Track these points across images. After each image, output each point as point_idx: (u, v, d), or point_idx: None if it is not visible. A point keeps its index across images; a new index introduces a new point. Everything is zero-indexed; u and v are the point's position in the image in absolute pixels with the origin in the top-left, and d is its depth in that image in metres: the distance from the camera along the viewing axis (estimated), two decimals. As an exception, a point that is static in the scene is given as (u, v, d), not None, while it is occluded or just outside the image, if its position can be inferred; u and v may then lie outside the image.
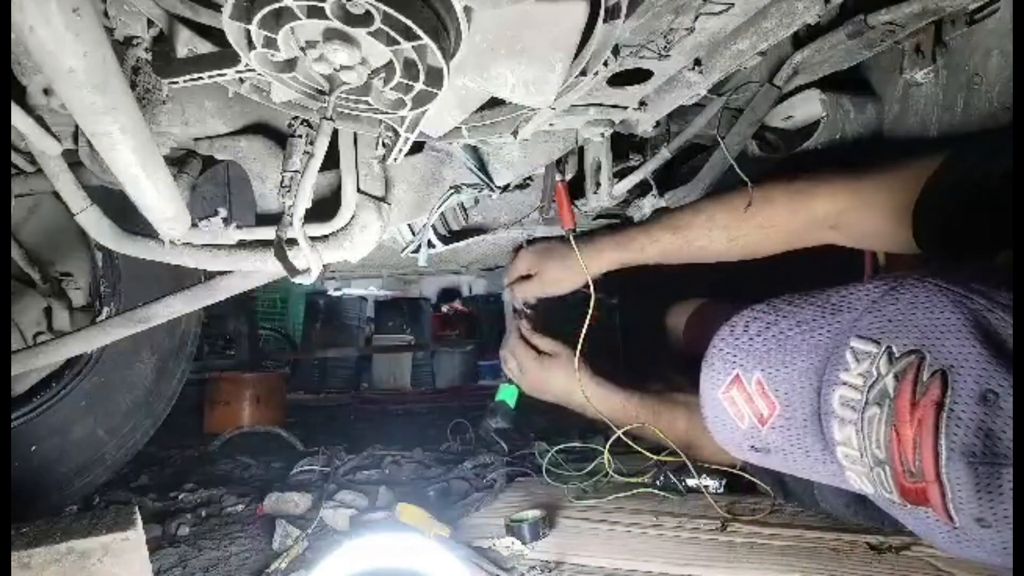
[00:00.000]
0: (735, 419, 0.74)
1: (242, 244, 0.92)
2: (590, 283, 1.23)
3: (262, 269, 0.94)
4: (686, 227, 1.11)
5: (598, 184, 1.23)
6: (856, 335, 0.64)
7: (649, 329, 1.69)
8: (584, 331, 1.23)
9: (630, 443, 1.24)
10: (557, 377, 1.27)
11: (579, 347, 1.24)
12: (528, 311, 1.38)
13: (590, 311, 1.22)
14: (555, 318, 1.38)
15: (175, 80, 0.68)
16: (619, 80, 0.86)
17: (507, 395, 1.35)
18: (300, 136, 0.84)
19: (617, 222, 1.44)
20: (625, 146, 1.29)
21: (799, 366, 0.69)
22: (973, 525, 0.54)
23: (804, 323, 0.70)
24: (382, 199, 0.95)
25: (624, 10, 0.64)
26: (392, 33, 0.52)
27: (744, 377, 0.73)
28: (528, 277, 1.35)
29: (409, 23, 0.51)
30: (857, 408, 0.61)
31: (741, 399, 0.73)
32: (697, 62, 0.89)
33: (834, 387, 0.64)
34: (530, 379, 1.31)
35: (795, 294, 0.75)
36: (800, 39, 1.03)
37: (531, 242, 1.43)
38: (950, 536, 0.58)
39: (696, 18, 0.75)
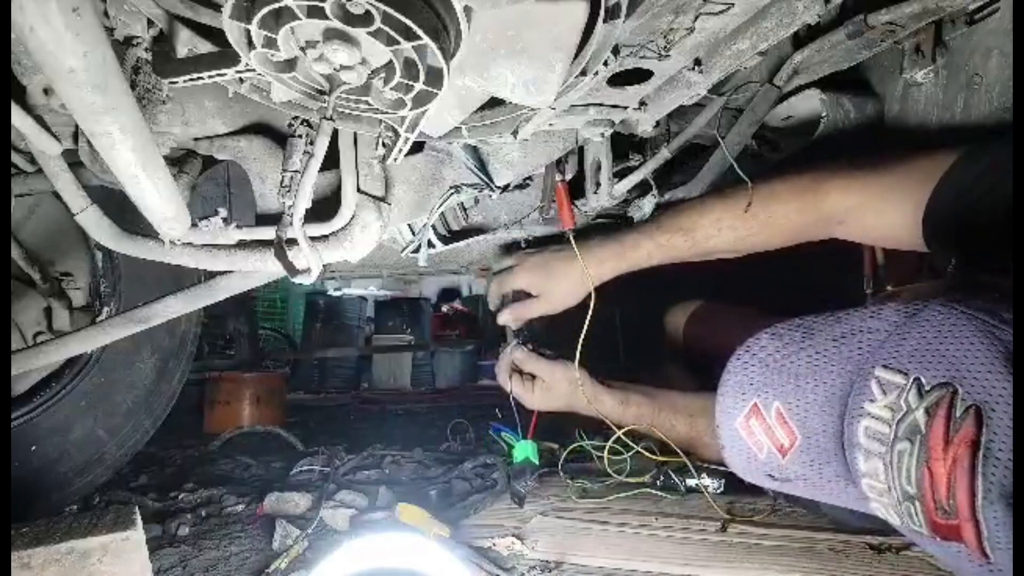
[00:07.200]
0: (753, 449, 0.73)
1: (242, 244, 0.92)
2: (592, 293, 1.20)
3: (262, 269, 0.94)
4: (693, 229, 1.08)
5: (598, 184, 1.23)
6: (881, 364, 0.62)
7: (649, 329, 1.69)
8: (583, 337, 1.21)
9: (630, 443, 1.24)
10: (560, 387, 1.24)
11: (578, 352, 1.23)
12: (526, 333, 1.30)
13: (588, 319, 1.20)
14: (554, 322, 1.34)
15: (175, 80, 0.68)
16: (619, 80, 0.86)
17: (527, 452, 1.27)
18: (300, 136, 0.84)
19: (617, 222, 1.43)
20: (625, 146, 1.29)
21: (820, 393, 0.67)
22: (1011, 564, 0.53)
23: (822, 347, 0.68)
24: (382, 199, 0.95)
25: (624, 10, 0.64)
26: (392, 33, 0.52)
27: (763, 406, 0.71)
28: (527, 295, 1.26)
29: (409, 23, 0.51)
30: (885, 441, 0.60)
31: (760, 429, 0.72)
32: (697, 62, 0.89)
33: (859, 418, 0.62)
34: (535, 397, 1.26)
35: (809, 316, 0.73)
36: (800, 39, 1.03)
37: (512, 248, 1.33)
38: (983, 571, 0.56)
39: (696, 18, 0.75)
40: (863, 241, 1.03)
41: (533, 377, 1.24)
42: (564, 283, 1.21)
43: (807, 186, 0.99)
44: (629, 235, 1.15)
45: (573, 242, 1.19)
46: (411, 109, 0.63)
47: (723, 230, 1.06)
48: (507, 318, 1.26)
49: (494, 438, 1.38)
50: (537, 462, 1.27)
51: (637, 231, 1.15)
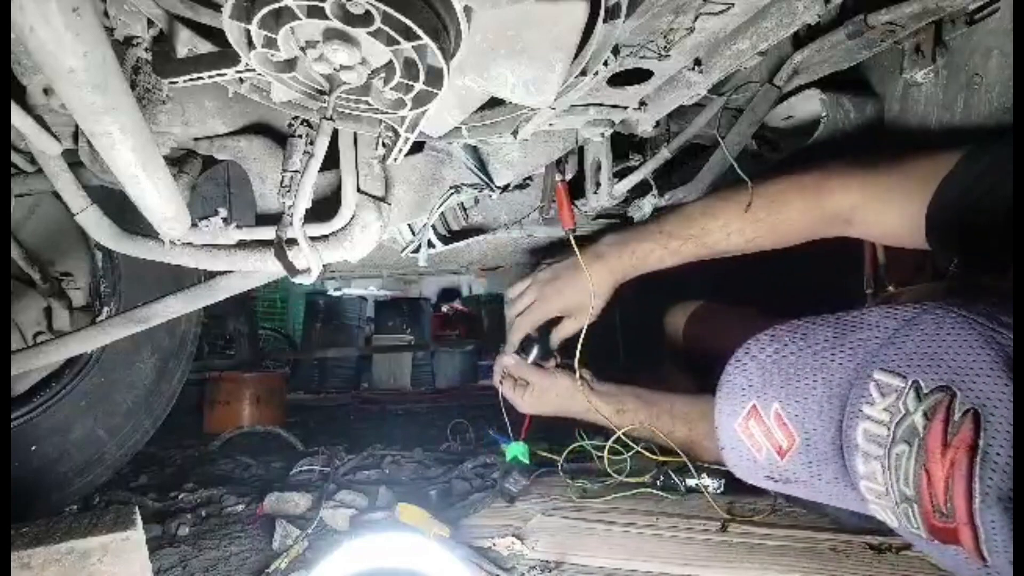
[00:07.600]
0: (752, 451, 0.73)
1: (242, 244, 0.92)
2: (591, 295, 1.20)
3: (262, 269, 0.94)
4: (703, 236, 1.08)
5: (598, 184, 1.23)
6: (880, 367, 0.62)
7: (649, 329, 1.69)
8: (580, 342, 1.21)
9: (630, 443, 1.24)
10: (549, 394, 1.23)
11: (578, 354, 1.23)
12: (538, 340, 1.28)
13: (585, 326, 1.20)
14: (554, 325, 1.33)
15: (175, 80, 0.68)
16: (619, 80, 0.86)
17: (518, 452, 1.28)
18: (300, 136, 0.84)
19: (618, 222, 1.43)
20: (625, 146, 1.29)
21: (818, 396, 0.67)
22: (1008, 567, 0.53)
23: (821, 350, 0.69)
24: (382, 199, 0.95)
25: (624, 10, 0.64)
26: (392, 33, 0.52)
27: (761, 407, 0.71)
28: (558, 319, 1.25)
29: (409, 23, 0.51)
30: (883, 444, 0.60)
31: (759, 431, 0.72)
32: (697, 62, 0.89)
33: (857, 420, 0.63)
34: (526, 403, 1.26)
35: (808, 317, 0.73)
36: (800, 39, 1.03)
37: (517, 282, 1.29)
38: (980, 574, 0.56)
39: (696, 18, 0.75)
40: (870, 239, 1.03)
41: (526, 382, 1.25)
42: (585, 297, 1.19)
43: (808, 186, 0.99)
44: (640, 242, 1.14)
45: (573, 242, 1.19)
46: (411, 109, 0.63)
47: (732, 235, 1.06)
48: (555, 341, 1.26)
49: (493, 438, 1.39)
50: (528, 462, 1.28)
51: (647, 238, 1.14)
